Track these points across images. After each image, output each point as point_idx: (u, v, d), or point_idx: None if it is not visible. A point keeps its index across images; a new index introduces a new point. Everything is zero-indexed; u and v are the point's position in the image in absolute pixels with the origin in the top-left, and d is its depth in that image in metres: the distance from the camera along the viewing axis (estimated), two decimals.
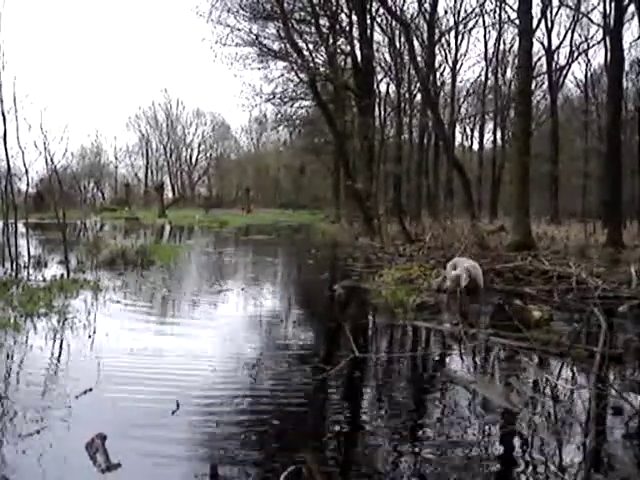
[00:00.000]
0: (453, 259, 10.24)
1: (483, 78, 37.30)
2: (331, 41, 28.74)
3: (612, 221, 17.96)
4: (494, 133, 40.25)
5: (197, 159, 75.94)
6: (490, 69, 36.43)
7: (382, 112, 35.59)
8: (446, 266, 10.02)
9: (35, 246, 16.41)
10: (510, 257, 12.93)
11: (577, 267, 10.98)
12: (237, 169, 73.93)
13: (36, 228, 24.27)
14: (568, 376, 5.42)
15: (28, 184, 13.36)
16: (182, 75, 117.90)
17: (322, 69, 28.82)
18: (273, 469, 3.35)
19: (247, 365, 5.60)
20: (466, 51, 39.04)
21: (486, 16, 33.94)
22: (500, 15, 33.17)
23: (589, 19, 31.27)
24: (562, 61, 34.92)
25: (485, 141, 42.48)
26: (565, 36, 33.49)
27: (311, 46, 29.85)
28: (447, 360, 6.15)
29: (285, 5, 26.31)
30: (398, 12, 25.19)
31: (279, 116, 39.94)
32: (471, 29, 35.14)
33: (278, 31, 27.95)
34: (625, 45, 20.51)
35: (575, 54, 33.88)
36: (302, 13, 28.84)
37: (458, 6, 32.94)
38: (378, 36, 30.54)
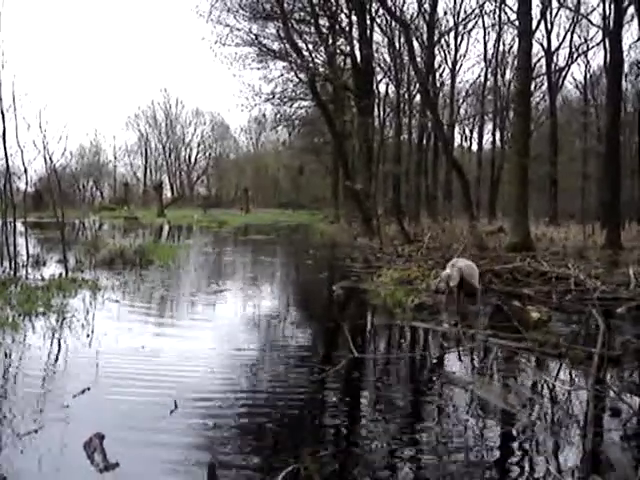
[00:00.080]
0: (452, 260, 10.25)
1: (482, 79, 37.32)
2: (331, 41, 28.74)
3: (611, 222, 17.97)
4: (493, 134, 40.25)
5: (196, 159, 75.99)
6: (489, 70, 36.45)
7: (381, 112, 35.63)
8: (446, 267, 10.02)
9: (34, 245, 16.38)
10: (509, 258, 12.93)
11: (575, 268, 10.99)
12: (236, 169, 73.92)
13: (35, 227, 24.27)
14: (566, 377, 5.43)
15: (27, 183, 13.37)
16: (181, 75, 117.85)
17: (322, 69, 28.80)
18: (271, 469, 3.35)
19: (245, 365, 5.60)
20: (466, 52, 39.07)
21: (486, 17, 33.95)
22: (500, 16, 33.16)
23: (589, 20, 31.29)
24: (561, 62, 34.93)
25: (484, 142, 42.49)
26: (564, 37, 33.52)
27: (311, 46, 29.84)
28: (445, 361, 6.15)
29: (285, 5, 26.30)
30: (398, 13, 25.17)
31: (278, 116, 39.95)
32: (471, 30, 35.15)
33: (278, 31, 27.95)
34: (624, 47, 20.65)
35: (574, 55, 33.89)
36: (302, 13, 28.83)
37: (458, 7, 32.96)
38: (378, 36, 30.56)
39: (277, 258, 18.71)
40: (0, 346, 5.84)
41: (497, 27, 34.12)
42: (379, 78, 33.32)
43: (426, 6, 28.96)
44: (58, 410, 4.18)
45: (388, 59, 31.52)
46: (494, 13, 33.10)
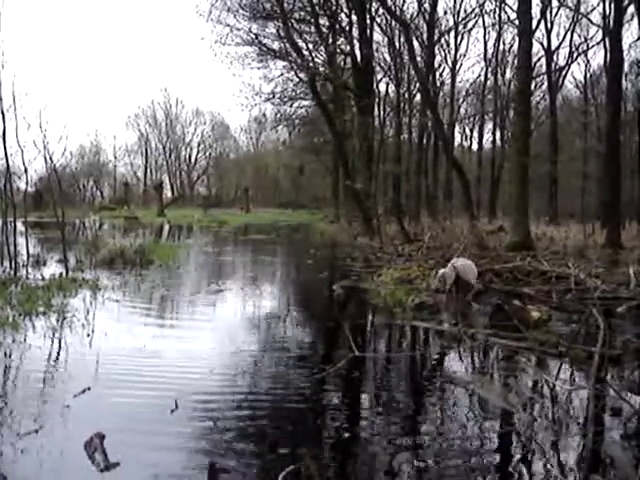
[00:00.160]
0: (452, 259, 10.26)
1: (482, 78, 37.31)
2: (331, 41, 28.74)
3: (611, 222, 17.97)
4: (493, 133, 40.25)
5: (196, 158, 75.98)
6: (490, 69, 36.45)
7: (381, 112, 35.59)
8: (446, 266, 10.04)
9: (34, 245, 16.38)
10: (509, 257, 12.93)
11: (576, 268, 10.98)
12: (236, 168, 73.91)
13: (35, 227, 24.26)
14: (567, 377, 5.43)
15: (27, 183, 13.37)
16: (182, 74, 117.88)
17: (322, 69, 28.80)
18: (272, 468, 3.35)
19: (246, 364, 5.60)
20: (466, 51, 39.11)
21: (486, 16, 33.95)
22: (500, 15, 33.18)
23: (589, 20, 31.28)
24: (561, 62, 34.93)
25: (484, 141, 42.49)
26: (564, 37, 33.52)
27: (311, 46, 29.87)
28: (446, 360, 6.15)
29: (285, 5, 26.30)
30: (398, 12, 25.17)
31: (278, 116, 39.99)
32: (471, 29, 35.15)
33: (278, 31, 27.96)
34: (624, 46, 20.62)
35: (574, 55, 33.89)
36: (302, 13, 28.84)
37: (458, 6, 32.94)
38: (378, 36, 30.55)
39: (277, 258, 18.71)
40: (0, 346, 5.83)
41: (497, 26, 34.16)
42: (379, 77, 33.35)
43: (426, 5, 28.99)
44: (59, 410, 4.18)
45: (388, 58, 31.54)
46: (494, 12, 33.17)
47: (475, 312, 8.38)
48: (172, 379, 5.00)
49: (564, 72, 34.59)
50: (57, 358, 5.72)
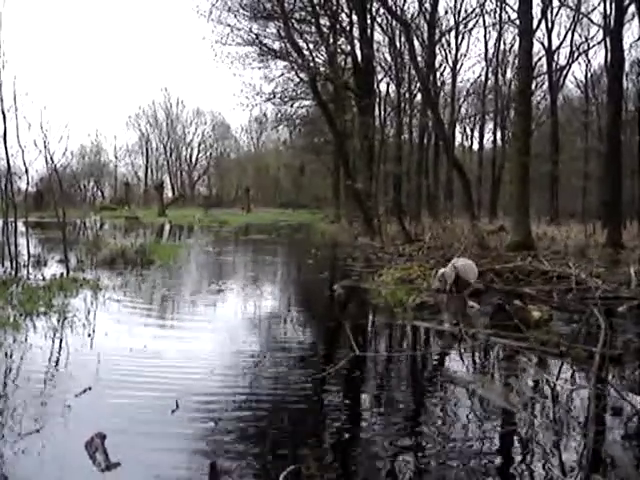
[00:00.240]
0: (453, 259, 10.26)
1: (483, 78, 37.29)
2: (331, 41, 28.73)
3: (612, 221, 17.96)
4: (494, 133, 40.25)
5: (197, 158, 75.96)
6: (490, 69, 36.42)
7: (382, 112, 35.57)
8: (447, 266, 10.04)
9: (35, 245, 16.39)
10: (510, 257, 12.92)
11: (577, 267, 10.97)
12: (237, 168, 73.90)
13: (36, 227, 24.26)
14: (568, 376, 5.42)
15: (28, 183, 13.36)
16: (182, 74, 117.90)
17: (322, 69, 28.79)
18: (272, 468, 3.35)
19: (247, 364, 5.60)
20: (466, 51, 38.97)
21: (486, 16, 33.94)
22: (500, 15, 33.17)
23: (589, 19, 31.26)
24: (562, 61, 34.92)
25: (485, 141, 42.49)
26: (565, 36, 33.50)
27: (311, 46, 29.86)
28: (446, 360, 6.15)
29: (285, 5, 26.28)
30: (398, 12, 25.17)
31: (279, 115, 40.00)
32: (471, 29, 35.13)
33: (278, 31, 27.95)
34: (625, 46, 20.54)
35: (575, 54, 33.86)
36: (302, 13, 28.84)
37: (458, 6, 32.94)
38: (378, 36, 30.56)
39: (278, 257, 18.72)
40: (1, 346, 5.84)
41: (498, 26, 34.14)
42: (380, 77, 33.35)
43: (427, 5, 29.00)
44: (60, 410, 4.18)
45: (389, 58, 31.54)
46: (495, 12, 33.17)
47: (472, 311, 8.37)
48: (173, 379, 5.00)
49: (565, 72, 34.61)
50: (58, 358, 5.72)
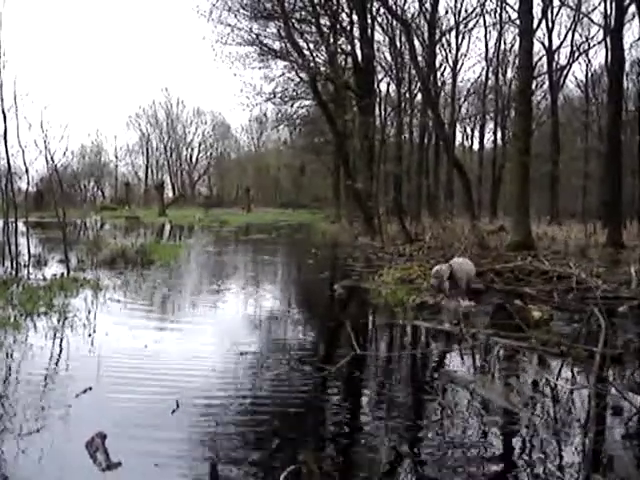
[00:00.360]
0: (453, 259, 10.25)
1: (484, 78, 37.30)
2: (332, 40, 28.72)
3: (612, 221, 17.96)
4: (494, 133, 40.23)
5: (197, 158, 76.00)
6: (491, 69, 36.43)
7: (382, 112, 35.56)
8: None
9: (35, 245, 16.40)
10: (510, 257, 12.92)
11: (577, 267, 10.97)
12: (237, 168, 73.92)
13: (36, 227, 24.27)
14: (568, 376, 5.42)
15: (28, 183, 13.35)
16: (183, 74, 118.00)
17: (323, 68, 28.79)
18: (273, 468, 3.36)
19: (247, 364, 5.60)
20: (467, 51, 38.97)
21: (487, 16, 33.97)
22: (501, 15, 33.19)
23: (590, 19, 31.25)
24: (563, 61, 34.95)
25: (485, 141, 42.47)
26: (566, 36, 33.51)
27: (312, 45, 29.85)
28: (447, 359, 6.15)
29: (286, 4, 26.29)
30: (399, 12, 25.19)
31: (279, 115, 40.02)
32: (472, 29, 35.14)
33: (279, 30, 27.96)
34: (626, 45, 20.61)
35: (576, 54, 33.87)
36: (303, 12, 28.85)
37: (459, 6, 32.99)
38: (379, 36, 30.57)
39: (278, 257, 18.72)
40: (2, 346, 5.84)
41: (498, 26, 34.16)
42: (380, 77, 33.35)
43: (427, 5, 29.03)
44: (60, 409, 4.18)
45: (389, 58, 31.56)
46: (495, 12, 33.20)
47: (466, 308, 8.33)
48: (173, 379, 5.00)
49: (565, 72, 34.61)
50: (58, 358, 5.72)
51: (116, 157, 70.92)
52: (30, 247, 12.99)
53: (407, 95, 32.32)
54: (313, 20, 27.88)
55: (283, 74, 32.24)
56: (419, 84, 26.56)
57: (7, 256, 11.22)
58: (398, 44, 28.73)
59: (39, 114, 11.28)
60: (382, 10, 26.98)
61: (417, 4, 29.26)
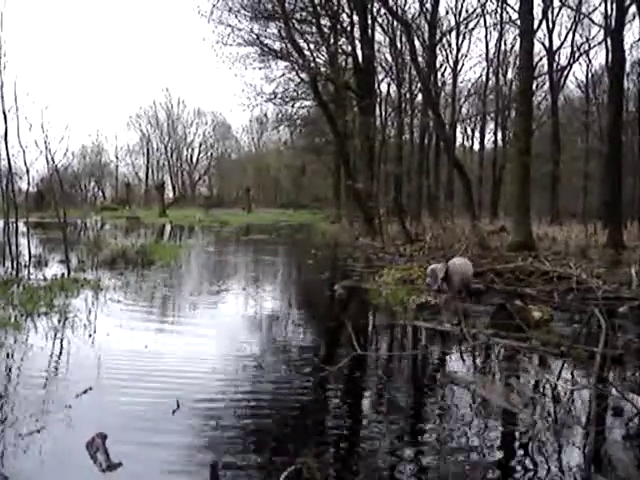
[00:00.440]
0: (453, 259, 10.24)
1: (484, 78, 37.26)
2: (332, 41, 28.74)
3: (613, 222, 17.94)
4: (495, 133, 40.18)
5: (198, 159, 75.97)
6: (491, 69, 36.40)
7: (383, 112, 35.60)
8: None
9: (36, 245, 16.41)
10: (511, 257, 12.92)
11: (577, 268, 10.97)
12: (238, 169, 73.88)
13: (37, 227, 24.26)
14: (568, 376, 5.42)
15: (29, 183, 13.35)
16: (183, 75, 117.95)
17: (323, 69, 28.82)
18: (273, 469, 3.35)
19: (248, 364, 5.60)
20: (467, 51, 39.27)
21: (487, 16, 33.93)
22: (501, 16, 33.14)
23: (590, 20, 31.22)
24: (563, 62, 34.90)
25: (486, 141, 42.44)
26: (566, 37, 33.48)
27: (312, 46, 29.89)
28: (447, 360, 6.14)
29: (286, 5, 26.30)
30: (399, 12, 25.19)
31: (280, 116, 40.04)
32: (472, 29, 35.10)
33: (279, 31, 27.99)
34: (626, 46, 20.60)
35: (576, 55, 33.84)
36: (303, 13, 28.86)
37: (459, 6, 32.96)
38: (379, 36, 30.60)
39: (279, 258, 18.72)
40: (2, 346, 5.84)
41: (499, 26, 34.12)
42: (380, 78, 33.41)
43: (427, 5, 29.00)
44: (60, 410, 4.19)
45: (390, 59, 31.60)
46: (496, 12, 33.15)
47: (464, 308, 8.32)
48: (174, 379, 5.00)
49: (566, 72, 34.59)
50: (59, 358, 5.73)
51: (117, 157, 71.00)
52: (30, 247, 12.99)
53: (407, 95, 32.32)
54: (314, 20, 27.89)
55: (284, 74, 32.32)
56: (419, 84, 26.57)
57: (8, 256, 11.21)
58: (399, 45, 28.78)
59: (40, 114, 11.28)
60: (383, 11, 27.01)
61: (418, 5, 29.30)
